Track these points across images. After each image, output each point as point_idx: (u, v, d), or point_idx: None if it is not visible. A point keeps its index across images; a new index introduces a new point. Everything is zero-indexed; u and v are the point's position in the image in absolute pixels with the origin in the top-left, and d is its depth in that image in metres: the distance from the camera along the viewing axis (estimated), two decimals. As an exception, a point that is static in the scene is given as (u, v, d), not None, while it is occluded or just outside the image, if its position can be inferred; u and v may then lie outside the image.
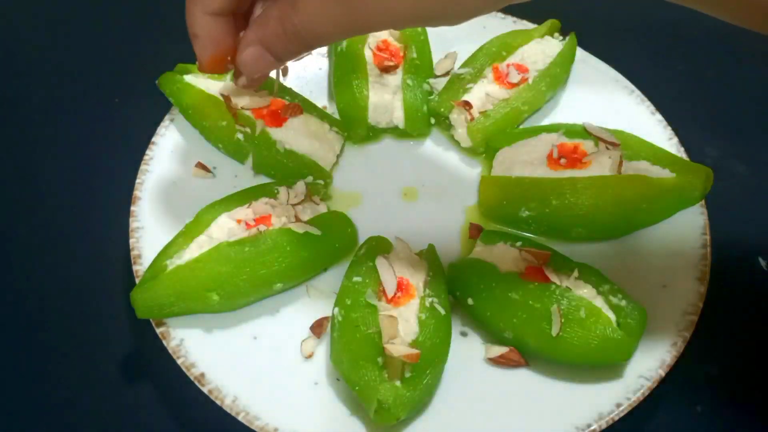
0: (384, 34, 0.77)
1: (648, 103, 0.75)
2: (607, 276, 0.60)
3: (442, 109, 0.74)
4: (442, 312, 0.58)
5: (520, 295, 0.58)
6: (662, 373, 0.57)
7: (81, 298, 0.68)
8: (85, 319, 0.66)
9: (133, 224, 0.64)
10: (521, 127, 0.75)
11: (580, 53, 0.79)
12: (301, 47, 0.52)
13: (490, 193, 0.69)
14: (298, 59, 0.58)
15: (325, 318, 0.61)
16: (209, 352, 0.58)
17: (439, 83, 0.76)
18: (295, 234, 0.61)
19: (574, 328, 0.56)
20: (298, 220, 0.63)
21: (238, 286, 0.59)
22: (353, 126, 0.74)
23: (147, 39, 0.92)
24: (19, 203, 0.75)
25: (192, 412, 0.60)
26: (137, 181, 0.68)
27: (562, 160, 0.67)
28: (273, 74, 0.63)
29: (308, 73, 0.79)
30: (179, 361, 0.57)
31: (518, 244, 0.63)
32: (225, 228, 0.62)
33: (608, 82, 0.78)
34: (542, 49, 0.77)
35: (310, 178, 0.68)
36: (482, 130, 0.72)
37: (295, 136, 0.69)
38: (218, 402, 0.55)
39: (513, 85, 0.74)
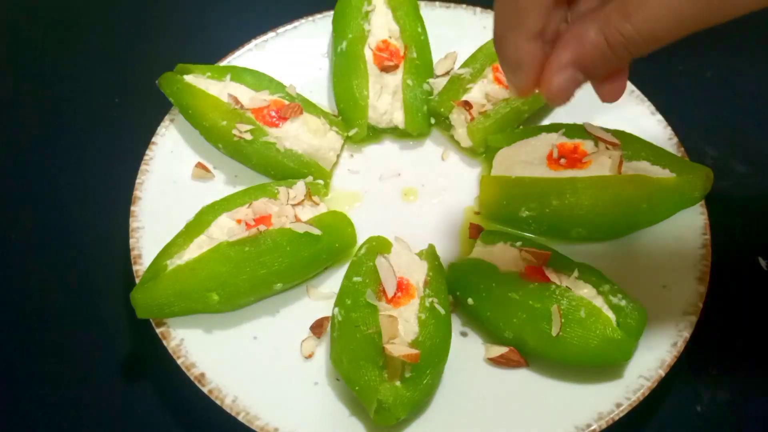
0: (384, 34, 0.78)
1: (648, 103, 0.75)
2: (607, 276, 0.60)
3: (442, 109, 0.74)
4: (442, 312, 0.58)
5: (520, 295, 0.58)
6: (662, 373, 0.57)
7: (81, 298, 0.68)
8: (85, 319, 0.66)
9: (133, 224, 0.64)
10: (521, 127, 0.75)
11: (580, 53, 0.79)
12: (626, 58, 0.47)
13: (490, 193, 0.68)
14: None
15: (325, 318, 0.61)
16: (209, 352, 0.58)
17: (439, 83, 0.76)
18: (295, 234, 0.61)
19: (574, 328, 0.56)
20: (298, 220, 0.63)
21: (238, 286, 0.59)
22: (353, 126, 0.74)
23: (147, 39, 0.92)
24: (20, 203, 0.75)
25: (192, 412, 0.60)
26: (137, 181, 0.68)
27: (562, 160, 0.66)
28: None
29: (308, 73, 0.79)
30: (179, 361, 0.57)
31: (518, 244, 0.63)
32: (225, 228, 0.62)
33: (608, 82, 0.77)
34: (542, 49, 0.77)
35: (310, 178, 0.68)
36: (482, 130, 0.72)
37: (295, 136, 0.69)
38: (218, 402, 0.55)
39: (513, 85, 0.74)
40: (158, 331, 0.59)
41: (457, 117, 0.73)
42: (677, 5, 0.43)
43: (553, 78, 0.47)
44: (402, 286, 0.59)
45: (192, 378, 0.56)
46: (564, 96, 0.48)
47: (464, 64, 0.76)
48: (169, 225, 0.64)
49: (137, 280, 0.61)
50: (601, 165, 0.65)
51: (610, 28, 0.45)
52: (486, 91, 0.73)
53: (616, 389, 0.56)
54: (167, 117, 0.73)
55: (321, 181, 0.69)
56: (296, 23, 0.81)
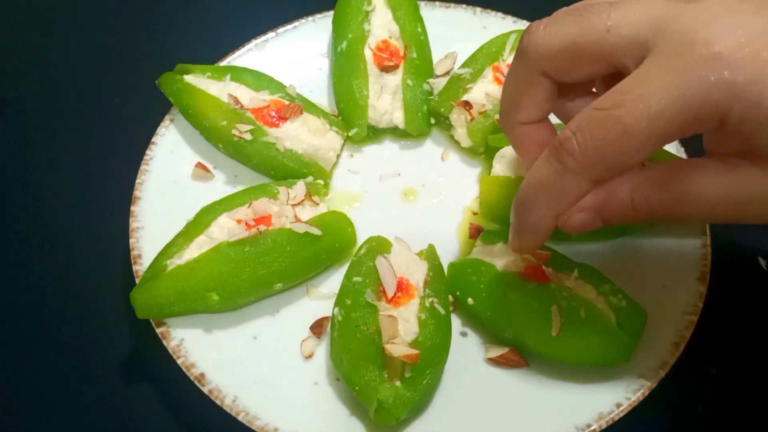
0: (384, 34, 0.77)
1: (648, 103, 0.75)
2: (607, 276, 0.60)
3: (442, 109, 0.74)
4: (442, 312, 0.58)
5: (520, 295, 0.58)
6: (662, 373, 0.57)
7: (81, 298, 0.68)
8: (85, 319, 0.66)
9: (133, 224, 0.64)
10: (521, 127, 0.75)
11: (580, 53, 0.79)
12: (645, 221, 0.50)
13: (490, 193, 0.68)
14: None
15: (325, 318, 0.61)
16: (209, 352, 0.58)
17: (439, 83, 0.76)
18: (295, 234, 0.61)
19: (574, 328, 0.56)
20: (298, 220, 0.63)
21: (238, 286, 0.59)
22: (353, 126, 0.74)
23: (147, 39, 0.92)
24: (20, 203, 0.75)
25: (192, 412, 0.60)
26: (137, 181, 0.68)
27: (562, 160, 0.66)
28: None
29: (308, 73, 0.79)
30: (179, 361, 0.57)
31: (518, 243, 0.63)
32: (225, 228, 0.62)
33: (608, 82, 0.78)
34: (542, 49, 0.77)
35: (310, 178, 0.68)
36: (482, 130, 0.72)
37: (295, 136, 0.69)
38: (218, 402, 0.55)
39: (513, 85, 0.74)
40: (158, 331, 0.59)
41: (457, 117, 0.73)
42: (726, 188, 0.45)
43: (575, 215, 0.50)
44: (402, 286, 0.59)
45: (192, 378, 0.56)
46: (574, 230, 0.51)
47: (464, 64, 0.76)
48: (169, 225, 0.64)
49: (137, 280, 0.61)
50: (601, 165, 0.65)
51: (639, 194, 0.48)
52: (486, 91, 0.73)
53: (616, 389, 0.56)
54: (167, 117, 0.73)
55: (321, 181, 0.69)
56: (296, 23, 0.81)
